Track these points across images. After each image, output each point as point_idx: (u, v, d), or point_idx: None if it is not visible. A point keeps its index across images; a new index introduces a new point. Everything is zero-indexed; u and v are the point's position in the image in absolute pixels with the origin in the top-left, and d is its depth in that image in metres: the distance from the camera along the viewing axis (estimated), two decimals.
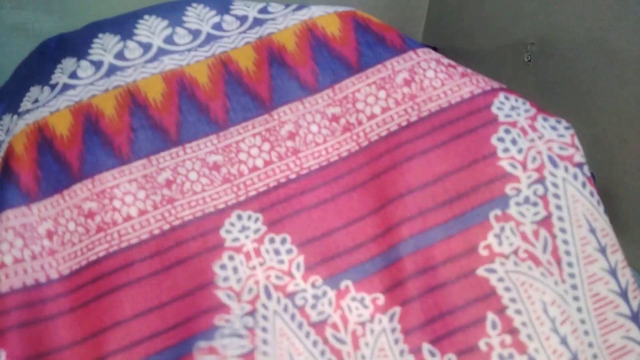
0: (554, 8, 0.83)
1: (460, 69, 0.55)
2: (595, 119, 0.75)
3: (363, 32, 0.56)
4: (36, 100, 0.55)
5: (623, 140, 0.70)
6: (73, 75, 0.55)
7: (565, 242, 0.48)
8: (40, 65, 0.60)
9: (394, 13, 1.37)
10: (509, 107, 0.52)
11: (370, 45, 0.55)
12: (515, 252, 0.47)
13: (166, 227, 0.48)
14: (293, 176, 0.51)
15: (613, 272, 0.48)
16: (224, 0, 0.60)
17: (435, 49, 1.27)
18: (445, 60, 0.55)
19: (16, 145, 0.51)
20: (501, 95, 0.52)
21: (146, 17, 0.58)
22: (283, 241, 0.48)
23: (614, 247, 0.49)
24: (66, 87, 0.54)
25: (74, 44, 0.59)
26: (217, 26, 0.58)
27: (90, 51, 0.56)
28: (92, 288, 0.46)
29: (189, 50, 0.56)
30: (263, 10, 0.59)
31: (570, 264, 0.47)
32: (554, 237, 0.48)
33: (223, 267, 0.47)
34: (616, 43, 0.70)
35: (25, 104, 0.56)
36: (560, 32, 0.82)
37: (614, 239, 0.49)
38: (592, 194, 0.49)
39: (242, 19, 0.59)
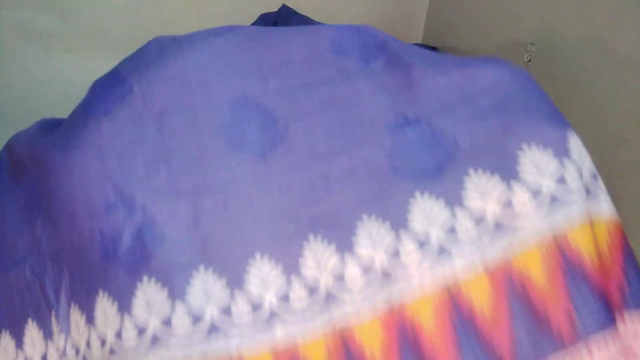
0: (554, 8, 0.83)
1: None
2: (596, 119, 0.75)
3: (520, 306, 0.42)
4: (119, 336, 0.45)
5: (623, 140, 0.70)
6: (167, 323, 0.44)
7: None
8: (117, 267, 0.48)
9: (394, 13, 1.37)
10: None
11: (528, 329, 0.42)
12: None
13: None
14: None
15: None
16: (347, 236, 0.46)
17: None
18: None
19: None
20: None
21: (257, 255, 0.46)
22: None
23: None
24: (156, 339, 0.44)
25: (163, 265, 0.46)
26: (339, 277, 0.45)
27: (189, 290, 0.45)
28: None
29: (304, 315, 0.45)
30: (392, 261, 0.45)
31: None
32: None
33: None
34: (616, 43, 0.70)
35: (104, 330, 0.46)
36: (560, 32, 0.82)
37: None
38: None
39: (365, 270, 0.45)
